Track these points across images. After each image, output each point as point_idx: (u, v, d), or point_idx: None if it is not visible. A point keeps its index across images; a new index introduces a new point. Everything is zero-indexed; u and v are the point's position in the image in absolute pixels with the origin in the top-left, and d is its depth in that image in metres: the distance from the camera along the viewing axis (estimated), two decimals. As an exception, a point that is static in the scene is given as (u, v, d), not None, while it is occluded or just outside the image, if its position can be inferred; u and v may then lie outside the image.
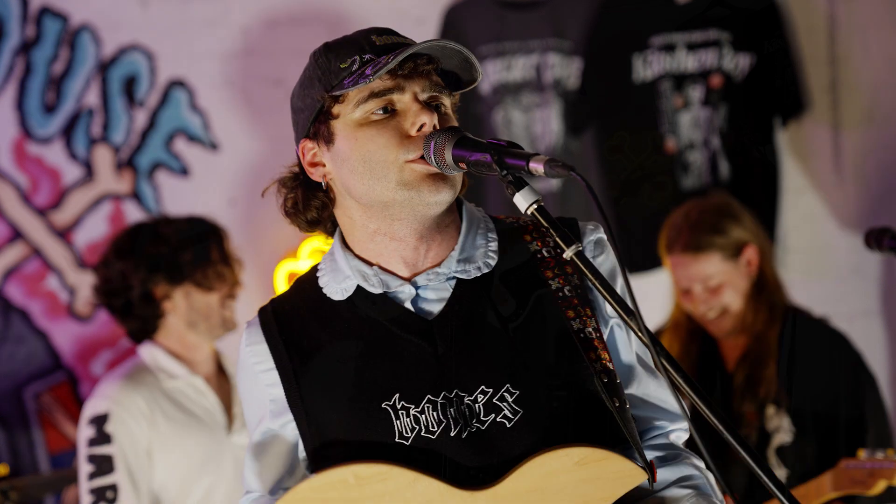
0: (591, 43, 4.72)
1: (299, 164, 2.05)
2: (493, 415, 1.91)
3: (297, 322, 2.02)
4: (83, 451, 3.38)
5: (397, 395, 1.92)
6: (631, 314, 1.76)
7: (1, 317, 4.68)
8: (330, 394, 1.96)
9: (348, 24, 4.51)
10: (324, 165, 2.00)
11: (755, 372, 3.44)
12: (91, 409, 3.40)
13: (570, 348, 1.95)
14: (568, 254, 1.78)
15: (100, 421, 3.37)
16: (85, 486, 3.35)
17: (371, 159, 1.92)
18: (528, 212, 1.81)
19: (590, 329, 1.96)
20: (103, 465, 3.34)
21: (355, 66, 1.92)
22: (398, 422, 1.91)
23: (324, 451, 1.96)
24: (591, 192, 1.73)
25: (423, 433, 1.90)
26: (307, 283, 2.07)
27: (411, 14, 4.69)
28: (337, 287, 2.00)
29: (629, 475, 1.88)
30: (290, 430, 2.02)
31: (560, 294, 1.98)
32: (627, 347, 2.03)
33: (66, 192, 4.74)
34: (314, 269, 2.08)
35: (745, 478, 3.36)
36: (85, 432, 3.38)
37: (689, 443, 2.01)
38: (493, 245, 2.02)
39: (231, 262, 3.56)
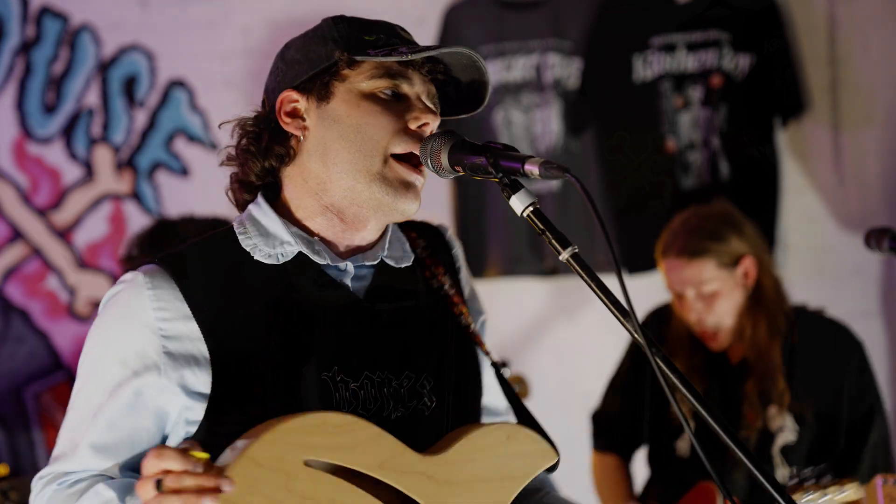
0: (591, 43, 4.72)
1: (270, 111, 2.03)
2: (415, 401, 1.97)
3: (217, 278, 1.92)
4: None
5: (336, 368, 1.91)
6: (626, 315, 1.76)
7: (1, 317, 4.68)
8: (263, 358, 1.87)
9: (348, 24, 4.50)
10: (304, 119, 1.99)
11: (765, 388, 3.38)
12: None
13: (469, 343, 2.09)
14: (564, 256, 1.79)
15: None
16: None
17: (365, 131, 1.94)
18: (524, 214, 1.81)
19: (474, 326, 2.11)
20: None
21: (381, 42, 1.95)
22: (337, 394, 1.90)
23: (241, 414, 1.83)
24: (587, 193, 1.73)
25: (359, 409, 1.91)
26: (220, 244, 1.98)
27: (411, 14, 4.69)
28: (270, 251, 1.95)
29: (546, 454, 2.06)
30: (172, 391, 1.86)
31: (450, 293, 2.09)
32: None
33: (66, 192, 4.74)
34: (226, 231, 2.00)
35: (746, 481, 3.35)
36: None
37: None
38: (408, 245, 2.09)
39: None
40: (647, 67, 4.69)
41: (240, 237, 1.98)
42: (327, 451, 1.80)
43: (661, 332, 3.55)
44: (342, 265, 1.98)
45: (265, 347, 1.89)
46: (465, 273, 2.19)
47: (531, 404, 4.21)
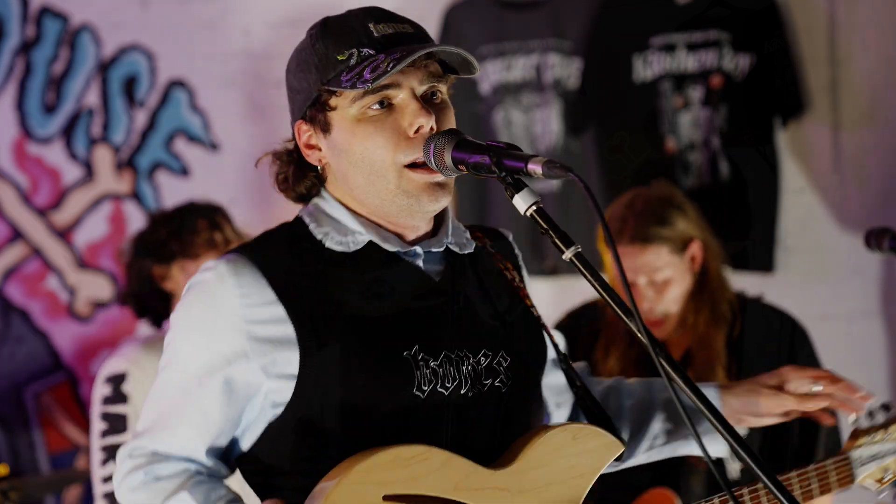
0: (591, 43, 4.72)
1: (294, 142, 2.05)
2: (492, 379, 2.00)
3: (294, 264, 1.95)
4: (97, 408, 3.36)
5: (417, 347, 1.94)
6: (629, 314, 1.76)
7: (1, 317, 4.68)
8: (346, 338, 1.91)
9: (348, 24, 4.50)
10: (320, 150, 2.01)
11: (706, 379, 3.16)
12: (109, 368, 3.38)
13: (538, 330, 2.13)
14: (567, 255, 1.79)
15: (117, 380, 3.35)
16: (97, 444, 3.35)
17: (370, 157, 1.94)
18: (528, 213, 1.81)
19: (541, 317, 2.15)
20: (117, 423, 3.33)
21: (353, 61, 1.92)
22: (418, 372, 1.93)
23: (325, 395, 1.90)
24: (589, 192, 1.74)
25: (438, 387, 1.94)
26: (291, 233, 2.02)
27: (411, 14, 4.67)
28: (341, 238, 1.99)
29: (611, 447, 2.08)
30: (260, 376, 1.91)
31: (515, 283, 2.13)
32: None
33: (67, 192, 4.74)
34: (295, 221, 2.04)
35: (703, 488, 3.29)
36: (101, 390, 3.37)
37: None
38: (468, 234, 2.12)
39: (224, 229, 3.53)
40: (647, 67, 4.69)
41: (310, 226, 2.01)
42: (403, 484, 1.86)
43: (594, 326, 3.41)
44: (412, 250, 2.00)
45: (347, 328, 1.92)
46: (526, 276, 2.23)
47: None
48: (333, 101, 1.95)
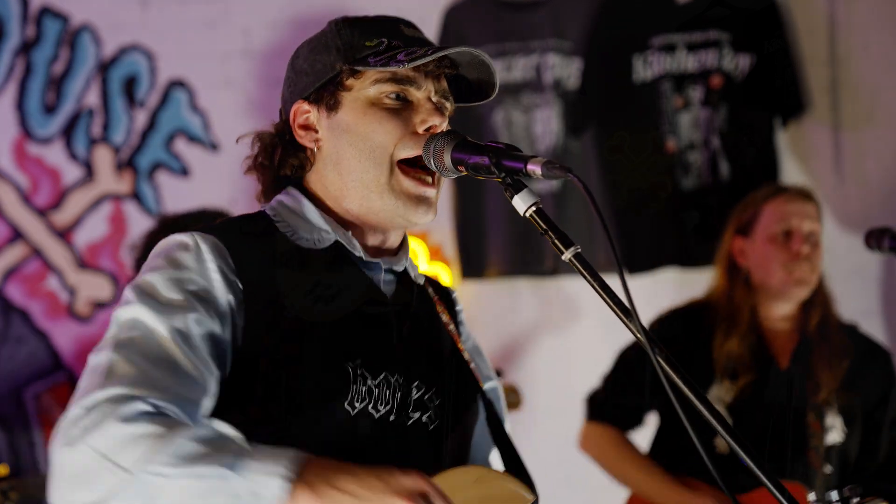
0: (591, 43, 4.72)
1: (285, 124, 2.05)
2: (419, 413, 1.98)
3: (259, 255, 1.92)
4: None
5: (359, 360, 1.92)
6: (628, 314, 1.76)
7: (1, 317, 4.68)
8: (291, 334, 1.87)
9: (348, 24, 4.51)
10: (316, 131, 2.02)
11: (815, 373, 3.46)
12: None
13: (470, 377, 2.10)
14: (566, 256, 1.79)
15: None
16: None
17: (372, 138, 1.95)
18: (527, 214, 1.81)
19: (474, 365, 2.13)
20: None
21: (382, 48, 1.95)
22: (354, 386, 1.90)
23: (262, 381, 1.83)
24: (589, 193, 1.73)
25: (369, 408, 1.91)
26: (255, 223, 1.98)
27: (411, 14, 4.67)
28: (309, 236, 1.97)
29: (519, 496, 1.98)
30: (220, 321, 1.84)
31: (453, 331, 2.12)
32: None
33: (67, 192, 4.74)
34: (258, 213, 2.02)
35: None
36: None
37: (690, 446, 2.02)
38: (416, 267, 2.13)
39: None
40: (647, 68, 4.69)
41: (276, 222, 1.99)
42: None
43: (710, 315, 3.56)
44: (374, 263, 2.00)
45: (294, 326, 1.88)
46: (466, 328, 2.21)
47: (529, 407, 4.22)
48: (350, 82, 1.97)
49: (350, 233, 2.00)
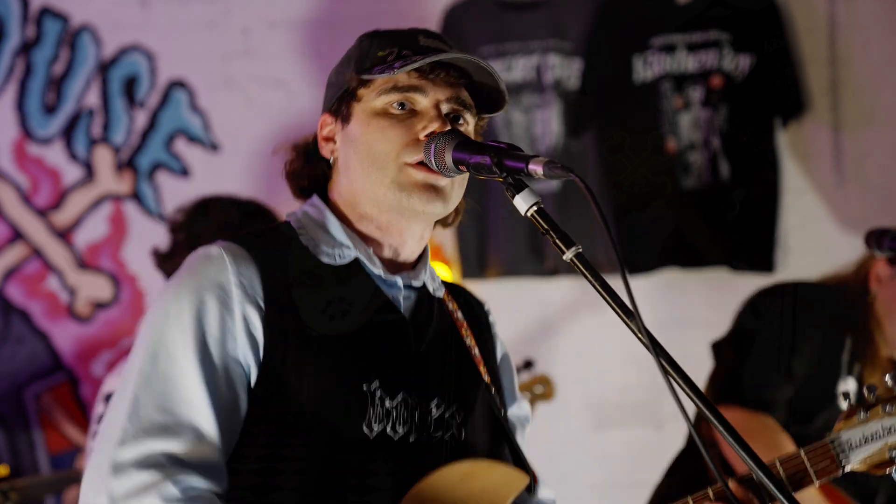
0: (591, 43, 4.72)
1: (315, 135, 2.09)
2: (441, 432, 1.98)
3: (284, 271, 1.93)
4: (94, 427, 3.35)
5: (377, 382, 1.92)
6: (630, 315, 1.76)
7: (1, 317, 4.68)
8: (309, 357, 1.88)
9: (348, 24, 4.51)
10: (335, 142, 2.04)
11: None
12: (110, 385, 3.37)
13: (491, 398, 2.09)
14: (568, 256, 1.79)
15: None
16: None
17: (374, 149, 1.96)
18: (528, 214, 1.81)
19: (494, 390, 2.11)
20: None
21: (391, 58, 1.96)
22: (371, 409, 1.90)
23: (280, 402, 1.86)
24: (590, 193, 1.73)
25: (387, 431, 1.91)
26: (279, 236, 2.01)
27: (411, 15, 4.69)
28: (330, 251, 1.99)
29: (513, 480, 1.96)
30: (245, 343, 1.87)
31: (473, 351, 2.11)
32: None
33: (67, 192, 4.74)
34: (283, 226, 2.04)
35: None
36: (99, 408, 3.35)
37: (691, 446, 2.03)
38: (438, 279, 2.12)
39: None
40: (647, 68, 4.69)
41: (299, 234, 2.01)
42: None
43: (859, 302, 3.39)
44: (393, 280, 2.00)
45: (312, 347, 1.89)
46: (499, 341, 2.21)
47: (537, 406, 4.20)
48: (361, 92, 1.99)
49: (371, 249, 2.00)
